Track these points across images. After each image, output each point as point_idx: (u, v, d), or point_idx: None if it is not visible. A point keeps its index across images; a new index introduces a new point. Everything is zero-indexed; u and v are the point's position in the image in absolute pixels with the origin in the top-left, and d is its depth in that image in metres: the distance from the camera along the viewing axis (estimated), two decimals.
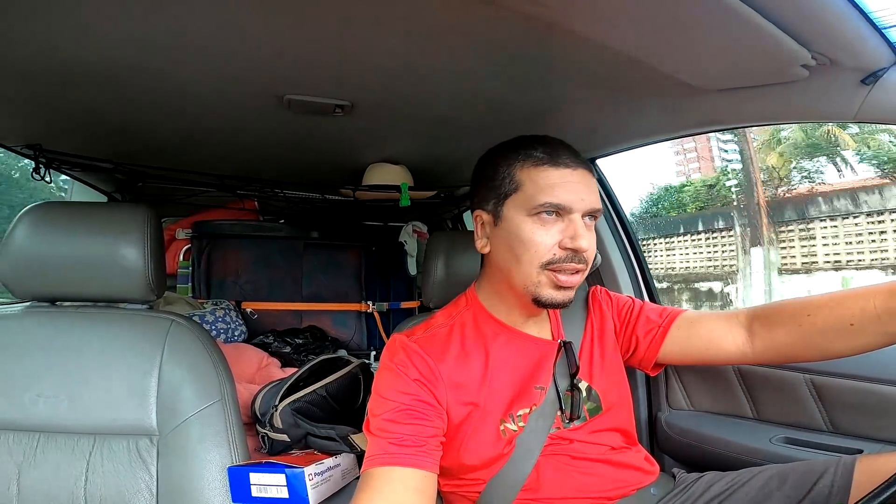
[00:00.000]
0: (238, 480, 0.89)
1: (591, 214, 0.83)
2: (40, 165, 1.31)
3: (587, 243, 0.80)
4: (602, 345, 0.95)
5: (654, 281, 1.42)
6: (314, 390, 1.24)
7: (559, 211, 0.80)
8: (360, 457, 1.13)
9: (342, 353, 2.16)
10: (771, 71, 0.83)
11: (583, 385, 0.90)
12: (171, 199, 1.90)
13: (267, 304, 2.30)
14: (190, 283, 2.26)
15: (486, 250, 0.88)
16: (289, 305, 2.33)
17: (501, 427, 0.84)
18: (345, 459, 1.10)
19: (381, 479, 0.73)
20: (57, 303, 0.99)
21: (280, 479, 0.90)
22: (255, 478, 0.89)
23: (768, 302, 0.89)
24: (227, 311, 2.06)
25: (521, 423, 0.85)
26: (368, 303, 2.41)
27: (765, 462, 0.93)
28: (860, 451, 0.90)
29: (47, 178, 1.32)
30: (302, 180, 1.85)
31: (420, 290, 1.83)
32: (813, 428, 1.02)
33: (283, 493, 0.90)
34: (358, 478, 1.11)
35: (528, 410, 0.86)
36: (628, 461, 0.89)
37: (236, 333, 2.04)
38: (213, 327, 1.98)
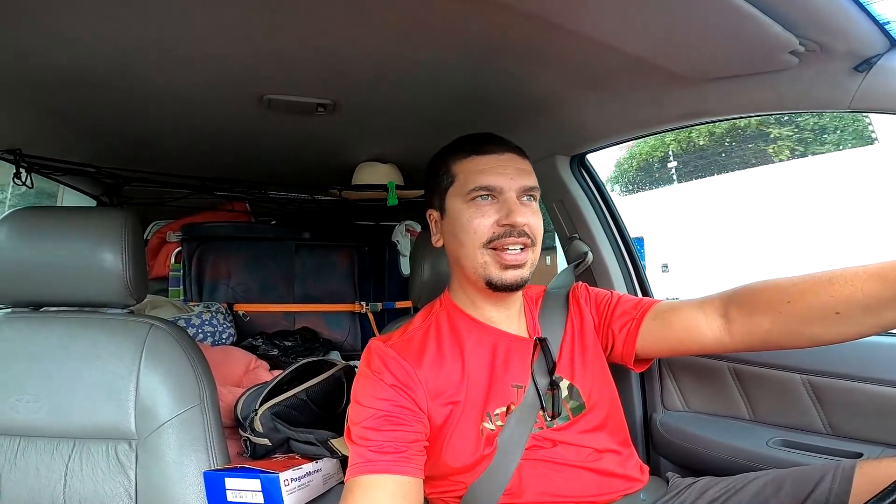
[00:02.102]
0: (213, 485, 0.89)
1: (528, 194, 0.86)
2: (21, 170, 1.30)
3: (523, 218, 0.83)
4: (583, 342, 0.93)
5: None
6: (295, 394, 1.23)
7: (493, 193, 0.84)
8: (342, 461, 1.11)
9: (335, 354, 2.14)
10: (757, 59, 0.80)
11: (564, 383, 0.87)
12: (160, 202, 1.89)
13: (259, 306, 2.27)
14: (182, 286, 2.24)
15: (440, 244, 0.92)
16: (281, 307, 2.30)
17: (480, 427, 0.82)
18: (327, 464, 1.08)
19: (363, 487, 0.72)
20: (39, 308, 0.99)
21: (255, 484, 0.90)
22: (230, 483, 0.89)
23: (746, 284, 0.83)
24: (215, 314, 2.04)
25: (498, 423, 0.83)
26: (362, 303, 2.38)
27: (762, 466, 0.90)
28: (860, 455, 0.88)
29: (29, 184, 1.31)
30: (290, 181, 1.84)
31: None
32: (811, 430, 0.99)
33: (259, 499, 0.90)
34: (341, 482, 1.10)
35: (504, 409, 0.84)
36: (614, 469, 0.85)
37: (224, 336, 2.02)
38: (200, 330, 1.95)
